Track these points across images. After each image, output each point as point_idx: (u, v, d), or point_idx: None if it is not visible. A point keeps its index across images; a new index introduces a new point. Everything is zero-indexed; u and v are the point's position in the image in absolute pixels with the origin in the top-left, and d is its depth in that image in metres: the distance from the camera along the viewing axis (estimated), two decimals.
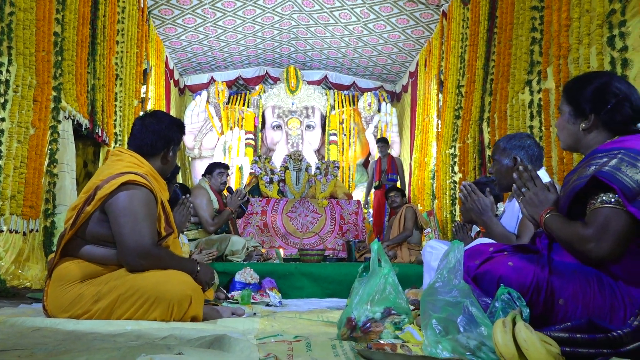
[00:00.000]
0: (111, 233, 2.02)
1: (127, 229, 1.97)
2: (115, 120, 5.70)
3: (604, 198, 1.36)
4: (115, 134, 5.70)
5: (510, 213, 2.36)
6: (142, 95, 6.62)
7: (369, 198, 7.67)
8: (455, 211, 5.91)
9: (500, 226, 2.25)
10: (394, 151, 8.92)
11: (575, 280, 1.39)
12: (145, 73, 6.75)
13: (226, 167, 4.57)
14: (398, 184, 7.09)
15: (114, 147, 5.62)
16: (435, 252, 2.28)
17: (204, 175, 4.56)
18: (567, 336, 1.25)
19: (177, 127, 2.30)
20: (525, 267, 1.41)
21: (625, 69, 3.16)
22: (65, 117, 4.51)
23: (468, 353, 1.25)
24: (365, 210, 7.42)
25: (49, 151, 4.26)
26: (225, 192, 4.58)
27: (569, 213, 1.48)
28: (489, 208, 2.25)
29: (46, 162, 4.24)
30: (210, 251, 3.59)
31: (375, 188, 7.22)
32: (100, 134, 5.24)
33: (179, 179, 8.61)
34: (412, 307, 1.78)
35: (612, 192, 1.35)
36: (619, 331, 1.22)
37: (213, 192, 4.44)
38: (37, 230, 4.10)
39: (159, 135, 2.23)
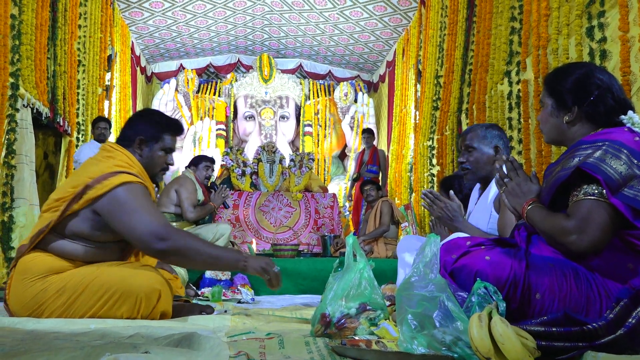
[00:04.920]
0: (92, 231, 1.95)
1: (135, 220, 1.90)
2: (78, 109, 5.53)
3: (587, 190, 1.37)
4: (78, 123, 5.55)
5: (481, 207, 2.28)
6: (107, 83, 6.49)
7: (352, 191, 7.60)
8: None
9: (475, 231, 2.15)
10: None
11: (551, 274, 1.38)
12: (110, 59, 6.60)
13: (212, 161, 4.62)
14: (380, 177, 7.05)
15: (76, 138, 5.46)
16: (410, 245, 2.23)
17: (188, 166, 4.58)
18: (543, 330, 1.27)
19: (158, 124, 2.18)
20: (502, 261, 1.40)
21: (604, 60, 3.19)
22: (23, 105, 4.38)
23: (444, 348, 1.26)
24: (349, 203, 7.41)
25: (6, 141, 4.10)
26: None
27: (552, 205, 1.46)
28: (459, 213, 2.15)
29: (3, 153, 4.08)
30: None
31: (354, 180, 7.22)
32: (61, 124, 5.10)
33: None
34: (388, 303, 1.77)
35: (596, 184, 1.36)
36: (594, 324, 1.24)
37: (198, 183, 4.45)
38: None
39: (130, 126, 2.17)
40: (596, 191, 1.35)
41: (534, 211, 1.49)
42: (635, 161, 1.37)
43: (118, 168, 2.00)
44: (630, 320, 1.24)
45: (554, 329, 1.26)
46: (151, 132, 2.15)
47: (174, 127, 2.22)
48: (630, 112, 1.50)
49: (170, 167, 2.27)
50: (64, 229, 1.97)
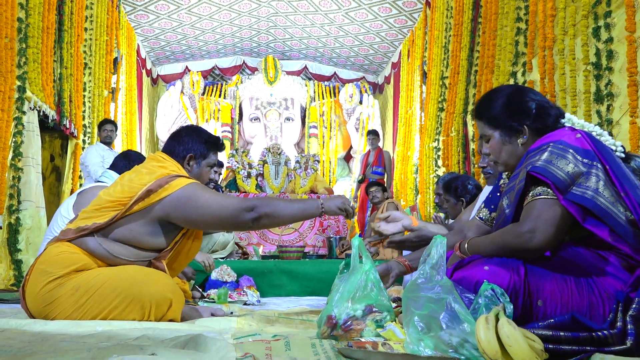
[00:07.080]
0: (135, 236, 1.98)
1: (216, 206, 1.99)
2: (84, 111, 5.57)
3: (534, 192, 1.40)
4: (84, 126, 5.57)
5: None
6: (113, 86, 6.54)
7: (358, 192, 7.59)
8: None
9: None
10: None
11: (551, 279, 1.38)
12: (116, 62, 6.65)
13: (219, 164, 4.33)
14: (385, 178, 7.03)
15: (82, 140, 5.48)
16: None
17: None
18: (550, 334, 1.26)
19: (207, 142, 2.27)
20: (501, 270, 1.39)
21: (610, 60, 3.20)
22: (30, 108, 4.40)
23: (451, 350, 1.25)
24: (354, 204, 7.39)
25: (12, 144, 4.14)
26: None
27: (516, 217, 1.47)
28: None
29: (10, 156, 4.10)
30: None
31: (359, 182, 7.22)
32: (68, 126, 5.14)
33: None
34: (394, 305, 1.76)
35: (543, 184, 1.39)
36: (604, 332, 1.23)
37: None
38: (0, 227, 3.99)
39: (180, 142, 2.22)
40: (542, 190, 1.39)
41: (472, 243, 1.53)
42: (580, 158, 1.39)
43: (173, 173, 2.07)
44: (628, 327, 1.23)
45: (561, 334, 1.26)
46: (200, 149, 2.23)
47: (219, 145, 2.34)
48: (567, 114, 1.55)
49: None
50: (108, 229, 1.98)
